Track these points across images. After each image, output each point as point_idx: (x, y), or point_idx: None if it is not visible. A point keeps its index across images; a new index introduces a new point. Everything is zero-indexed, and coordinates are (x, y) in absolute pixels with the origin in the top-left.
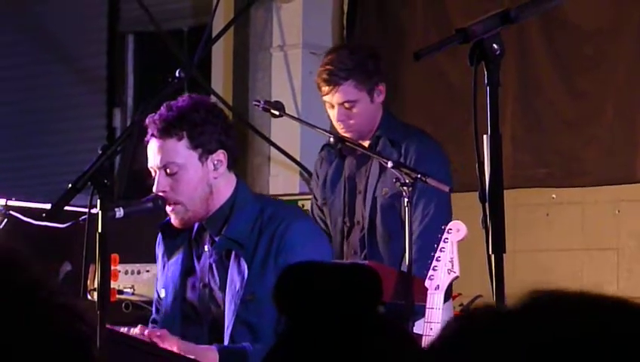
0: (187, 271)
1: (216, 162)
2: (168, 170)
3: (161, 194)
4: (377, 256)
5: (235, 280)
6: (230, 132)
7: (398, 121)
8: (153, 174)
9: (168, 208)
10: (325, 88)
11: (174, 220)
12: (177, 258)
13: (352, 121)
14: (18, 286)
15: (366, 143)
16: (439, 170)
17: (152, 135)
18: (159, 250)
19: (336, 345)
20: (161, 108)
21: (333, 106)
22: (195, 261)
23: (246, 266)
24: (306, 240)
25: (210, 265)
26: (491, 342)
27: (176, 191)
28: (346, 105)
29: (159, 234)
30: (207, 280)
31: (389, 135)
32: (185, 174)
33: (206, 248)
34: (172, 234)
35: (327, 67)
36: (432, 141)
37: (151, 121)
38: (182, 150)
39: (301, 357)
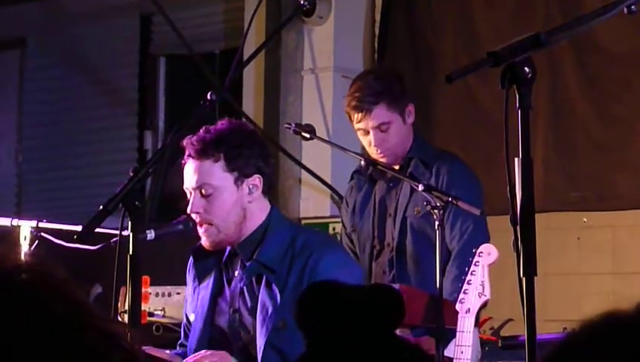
0: (217, 295)
1: (251, 186)
2: (203, 191)
3: (194, 215)
4: (405, 277)
5: (267, 304)
6: (267, 159)
7: (429, 144)
8: (188, 196)
9: (200, 229)
10: (358, 115)
11: (205, 241)
12: (208, 282)
13: (387, 144)
14: (60, 312)
15: (397, 166)
16: (471, 192)
17: (189, 155)
18: (190, 275)
19: None
20: (200, 130)
21: (367, 133)
22: (226, 286)
23: (278, 292)
24: (339, 268)
25: (242, 290)
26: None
27: (210, 213)
28: (382, 127)
29: (190, 259)
30: (237, 305)
31: (420, 156)
32: (219, 196)
33: (237, 273)
34: (203, 258)
35: (356, 95)
36: (463, 164)
37: (188, 142)
38: (218, 172)
39: None
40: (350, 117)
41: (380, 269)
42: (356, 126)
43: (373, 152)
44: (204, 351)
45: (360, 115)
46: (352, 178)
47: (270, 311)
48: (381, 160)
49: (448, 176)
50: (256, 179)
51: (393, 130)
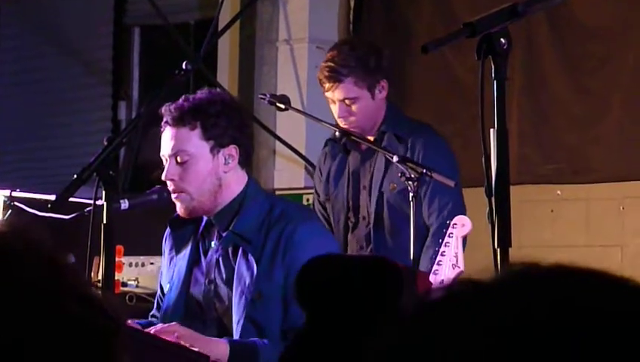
0: (193, 266)
1: (227, 156)
2: (179, 159)
3: (169, 182)
4: (382, 251)
5: (244, 275)
6: (245, 130)
7: (404, 116)
8: (164, 163)
9: (173, 195)
10: (327, 85)
11: (179, 208)
12: (185, 253)
13: (352, 118)
14: (41, 277)
15: (370, 138)
16: (446, 165)
17: (167, 123)
18: (166, 245)
19: (355, 340)
20: (180, 99)
21: (334, 102)
22: (202, 256)
23: (254, 262)
24: (314, 239)
25: (217, 261)
26: (457, 317)
27: (184, 181)
28: (347, 101)
29: (167, 229)
30: (212, 275)
31: (394, 130)
32: (195, 164)
33: (213, 244)
34: (180, 228)
35: (329, 63)
36: (438, 136)
37: (166, 109)
38: (194, 140)
39: (320, 350)
40: (321, 84)
41: (357, 244)
42: (326, 94)
43: (339, 122)
44: (159, 324)
45: (329, 84)
46: (325, 145)
47: (247, 282)
48: (350, 130)
49: (424, 150)
50: (233, 150)
51: (359, 106)
